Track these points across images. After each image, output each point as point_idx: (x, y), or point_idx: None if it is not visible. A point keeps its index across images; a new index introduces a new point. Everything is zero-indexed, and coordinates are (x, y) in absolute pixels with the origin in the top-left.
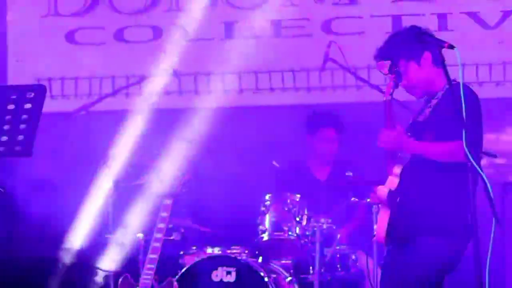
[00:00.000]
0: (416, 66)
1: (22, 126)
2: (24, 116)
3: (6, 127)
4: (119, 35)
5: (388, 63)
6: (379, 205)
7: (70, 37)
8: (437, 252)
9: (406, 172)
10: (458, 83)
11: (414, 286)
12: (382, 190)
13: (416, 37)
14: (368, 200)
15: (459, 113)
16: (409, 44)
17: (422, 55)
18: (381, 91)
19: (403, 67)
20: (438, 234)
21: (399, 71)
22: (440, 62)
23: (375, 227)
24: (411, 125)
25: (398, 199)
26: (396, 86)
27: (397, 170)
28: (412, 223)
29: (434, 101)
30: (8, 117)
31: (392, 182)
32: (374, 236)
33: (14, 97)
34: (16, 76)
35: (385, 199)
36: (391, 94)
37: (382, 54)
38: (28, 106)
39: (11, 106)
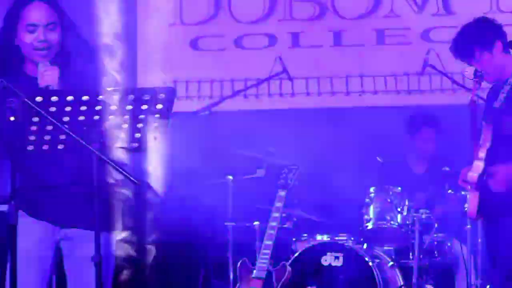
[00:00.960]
0: (489, 54)
1: (154, 124)
2: (156, 115)
3: (140, 125)
4: (238, 42)
5: (472, 68)
6: (469, 188)
7: (194, 44)
8: None
9: (490, 155)
10: None
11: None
12: (471, 175)
13: (487, 28)
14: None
15: None
16: (481, 35)
17: (494, 44)
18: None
19: (477, 57)
20: None
21: (482, 74)
22: (510, 49)
23: (466, 205)
24: (487, 112)
25: (485, 179)
26: (479, 86)
27: (482, 154)
28: (500, 202)
29: (507, 87)
30: (141, 116)
31: (478, 166)
32: (466, 213)
33: (147, 98)
34: (145, 79)
35: (475, 183)
36: (477, 95)
37: (457, 46)
38: (159, 106)
39: (144, 106)
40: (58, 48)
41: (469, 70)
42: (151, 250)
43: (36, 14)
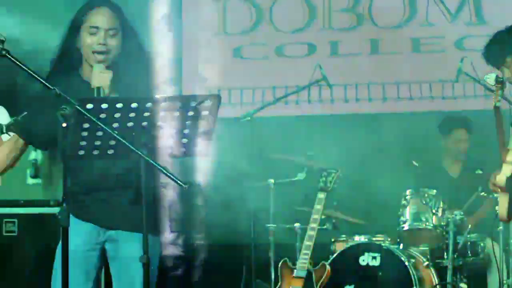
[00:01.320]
0: None
1: (200, 130)
2: (202, 122)
3: (186, 131)
4: (279, 51)
5: (493, 75)
6: (499, 191)
7: (237, 52)
8: None
9: None
10: None
11: None
12: (500, 178)
13: None
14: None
15: None
16: None
17: None
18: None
19: (508, 62)
20: None
21: (503, 81)
22: None
23: (496, 208)
24: None
25: None
26: (502, 92)
27: (510, 157)
28: None
29: None
30: (188, 122)
31: (507, 168)
32: (497, 215)
33: (193, 105)
34: (190, 86)
35: (504, 186)
36: (500, 101)
37: (488, 51)
38: (205, 113)
39: (191, 113)
40: (116, 54)
41: (490, 77)
42: (203, 247)
43: (99, 18)
